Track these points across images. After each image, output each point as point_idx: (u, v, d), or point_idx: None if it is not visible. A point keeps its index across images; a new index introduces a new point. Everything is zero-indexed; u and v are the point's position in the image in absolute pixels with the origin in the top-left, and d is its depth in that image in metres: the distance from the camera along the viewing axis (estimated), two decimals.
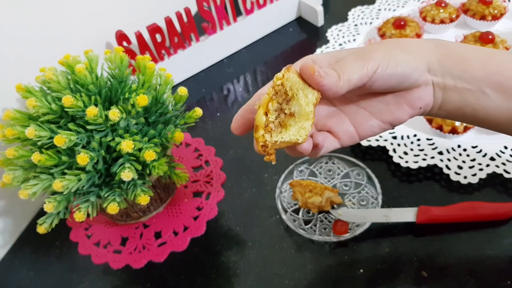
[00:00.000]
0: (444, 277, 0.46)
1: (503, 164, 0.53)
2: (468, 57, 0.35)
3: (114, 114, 0.41)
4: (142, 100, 0.42)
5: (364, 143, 0.58)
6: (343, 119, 0.37)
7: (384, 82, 0.34)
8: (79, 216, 0.42)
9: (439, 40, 0.36)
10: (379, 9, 0.80)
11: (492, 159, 0.54)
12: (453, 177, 0.53)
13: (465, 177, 0.53)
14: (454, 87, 0.35)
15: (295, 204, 0.54)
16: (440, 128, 0.56)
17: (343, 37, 0.76)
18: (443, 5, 0.71)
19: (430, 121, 0.57)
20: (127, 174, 0.41)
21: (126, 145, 0.41)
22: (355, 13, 0.80)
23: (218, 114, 0.68)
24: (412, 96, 0.36)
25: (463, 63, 0.35)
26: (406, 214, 0.49)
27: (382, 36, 0.71)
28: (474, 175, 0.53)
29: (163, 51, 0.69)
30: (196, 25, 0.70)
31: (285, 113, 0.32)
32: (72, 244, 0.55)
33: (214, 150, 0.62)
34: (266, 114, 0.31)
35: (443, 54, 0.35)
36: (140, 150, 0.42)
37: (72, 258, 0.54)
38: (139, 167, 0.43)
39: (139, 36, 0.64)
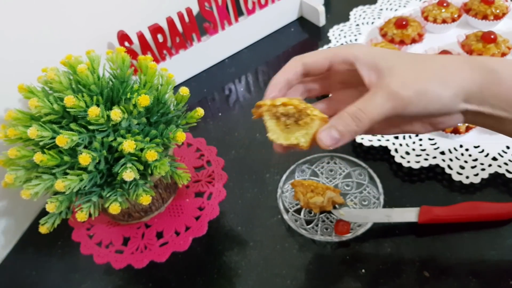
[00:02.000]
0: (446, 277, 0.45)
1: (505, 164, 0.53)
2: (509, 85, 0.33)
3: (116, 114, 0.41)
4: (144, 100, 0.42)
5: (366, 143, 0.58)
6: None
7: (411, 115, 0.34)
8: (81, 216, 0.42)
9: (486, 65, 0.34)
10: (381, 9, 0.80)
11: (494, 159, 0.54)
12: (455, 177, 0.53)
13: (467, 177, 0.53)
14: (491, 115, 0.34)
15: (296, 204, 0.54)
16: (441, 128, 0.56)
17: (344, 37, 0.76)
18: (445, 4, 0.71)
19: None
20: (129, 174, 0.41)
21: (128, 145, 0.41)
22: (356, 13, 0.80)
23: (220, 114, 0.68)
24: (439, 120, 0.36)
25: (505, 93, 0.33)
26: (408, 214, 0.49)
27: (384, 36, 0.71)
28: (476, 175, 0.53)
29: (164, 51, 0.69)
30: (198, 25, 0.70)
31: (292, 120, 0.35)
32: (74, 244, 0.55)
33: (216, 150, 0.62)
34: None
35: (486, 82, 0.33)
36: (141, 150, 0.43)
37: (74, 258, 0.54)
38: (141, 167, 0.43)
39: (141, 36, 0.64)
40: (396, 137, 0.58)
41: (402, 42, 0.69)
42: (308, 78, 0.40)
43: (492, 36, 0.63)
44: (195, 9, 0.71)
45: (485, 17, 0.69)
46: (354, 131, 0.33)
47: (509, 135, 0.36)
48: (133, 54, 0.64)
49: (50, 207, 0.42)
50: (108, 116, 0.41)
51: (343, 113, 0.34)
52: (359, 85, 0.37)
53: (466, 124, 0.55)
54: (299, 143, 0.35)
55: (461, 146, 0.56)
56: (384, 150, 0.58)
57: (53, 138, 0.41)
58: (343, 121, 0.34)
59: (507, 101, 0.33)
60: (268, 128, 0.36)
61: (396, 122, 0.38)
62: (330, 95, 0.42)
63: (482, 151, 0.55)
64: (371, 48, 0.36)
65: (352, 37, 0.75)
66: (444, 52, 0.62)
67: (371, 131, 0.39)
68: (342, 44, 0.74)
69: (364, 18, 0.79)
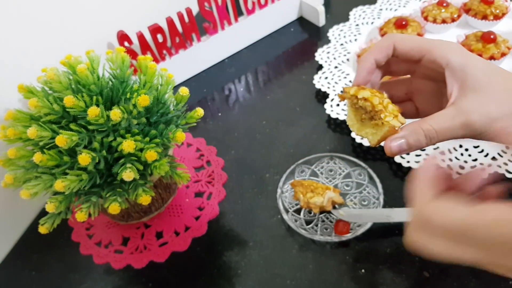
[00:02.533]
0: (446, 277, 0.45)
1: (505, 164, 0.53)
2: None
3: (116, 114, 0.41)
4: (144, 100, 0.42)
5: (366, 143, 0.58)
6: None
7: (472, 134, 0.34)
8: (80, 216, 0.42)
9: None
10: (381, 9, 0.80)
11: (494, 159, 0.54)
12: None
13: None
14: None
15: (296, 204, 0.54)
16: None
17: (344, 37, 0.76)
18: (444, 4, 0.71)
19: None
20: (128, 174, 0.41)
21: (128, 145, 0.41)
22: (356, 13, 0.80)
23: (220, 114, 0.68)
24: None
25: None
26: (408, 214, 0.49)
27: (384, 36, 0.71)
28: None
29: (164, 51, 0.69)
30: (198, 25, 0.70)
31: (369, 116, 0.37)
32: (74, 244, 0.55)
33: (216, 150, 0.62)
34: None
35: None
36: (141, 150, 0.43)
37: (74, 258, 0.54)
38: (141, 167, 0.43)
39: (141, 37, 0.64)
40: None
41: None
42: (393, 58, 0.39)
43: (491, 36, 0.63)
44: (195, 9, 0.71)
45: (484, 17, 0.69)
46: (422, 146, 0.34)
47: None
48: (132, 54, 0.64)
49: (50, 207, 0.42)
50: (108, 116, 0.41)
51: (418, 129, 0.34)
52: (440, 81, 0.37)
53: None
54: (368, 138, 0.37)
55: (460, 146, 0.56)
56: (384, 150, 0.57)
57: (53, 138, 0.41)
58: (416, 136, 0.34)
59: None
60: (347, 115, 0.39)
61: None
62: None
63: (482, 151, 0.55)
64: (466, 56, 0.34)
65: (352, 37, 0.75)
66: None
67: (418, 115, 0.41)
68: (342, 44, 0.74)
69: (363, 18, 0.79)
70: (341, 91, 0.38)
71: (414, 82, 0.41)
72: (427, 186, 0.33)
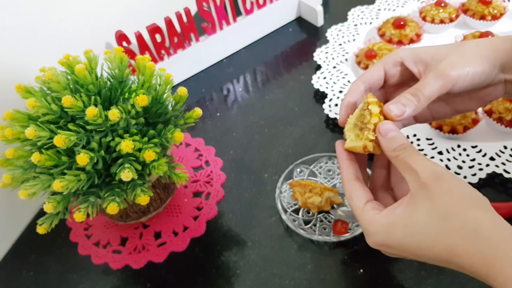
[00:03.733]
0: (444, 277, 0.46)
1: (503, 164, 0.53)
2: None
3: (114, 114, 0.41)
4: (142, 100, 0.42)
5: None
6: None
7: (461, 89, 0.38)
8: (79, 216, 0.42)
9: None
10: (379, 9, 0.80)
11: (492, 159, 0.54)
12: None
13: (465, 177, 0.53)
14: None
15: (295, 204, 0.54)
16: (439, 128, 0.56)
17: (342, 37, 0.76)
18: (442, 5, 0.71)
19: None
20: (127, 174, 0.41)
21: (126, 145, 0.41)
22: (354, 13, 0.80)
23: (218, 114, 0.68)
24: (484, 93, 0.40)
25: None
26: None
27: (382, 36, 0.71)
28: (474, 175, 0.53)
29: (162, 51, 0.69)
30: (196, 25, 0.70)
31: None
32: (72, 244, 0.55)
33: (214, 150, 0.62)
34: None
35: None
36: (140, 150, 0.42)
37: (72, 259, 0.54)
38: (139, 167, 0.43)
39: (139, 36, 0.64)
40: None
41: (400, 42, 0.69)
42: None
43: (490, 37, 0.63)
44: (193, 9, 0.71)
45: (482, 18, 0.70)
46: (415, 105, 0.37)
47: None
48: (131, 54, 0.64)
49: (48, 208, 0.42)
50: (106, 116, 0.41)
51: (404, 92, 0.38)
52: (411, 82, 0.41)
53: (464, 124, 0.56)
54: (346, 139, 0.40)
55: (458, 146, 0.56)
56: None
57: (51, 138, 0.41)
58: (405, 97, 0.38)
59: None
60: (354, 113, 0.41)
61: (449, 101, 0.42)
62: None
63: (480, 151, 0.55)
64: (413, 48, 0.42)
65: (350, 37, 0.76)
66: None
67: (431, 116, 0.44)
68: (340, 44, 0.74)
69: (362, 18, 0.79)
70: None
71: (392, 97, 0.44)
72: (357, 195, 0.37)
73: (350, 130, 0.40)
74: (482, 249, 0.29)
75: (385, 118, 0.38)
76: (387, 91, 0.44)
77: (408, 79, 0.42)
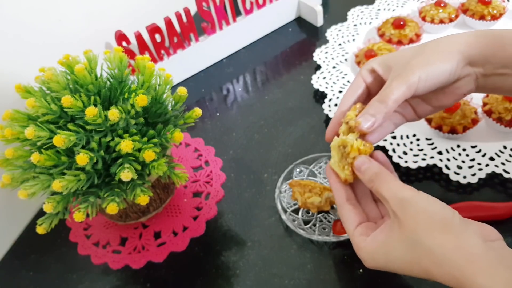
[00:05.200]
0: None
1: (503, 164, 0.53)
2: (506, 43, 0.38)
3: (114, 114, 0.41)
4: (142, 100, 0.42)
5: None
6: (406, 104, 0.44)
7: (427, 90, 0.40)
8: (78, 216, 0.42)
9: (479, 30, 0.40)
10: (379, 9, 0.80)
11: (491, 158, 0.54)
12: (453, 177, 0.53)
13: (464, 177, 0.53)
14: (495, 73, 0.40)
15: (294, 204, 0.54)
16: (439, 128, 0.56)
17: (342, 37, 0.76)
18: (442, 5, 0.71)
19: (429, 121, 0.57)
20: (126, 174, 0.41)
21: (126, 145, 0.41)
22: (354, 13, 0.80)
23: (218, 114, 0.68)
24: (455, 87, 0.41)
25: (501, 51, 0.38)
26: None
27: (382, 36, 0.71)
28: (474, 175, 0.53)
29: (162, 51, 0.69)
30: (196, 25, 0.70)
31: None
32: (72, 244, 0.55)
33: (214, 150, 0.62)
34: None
35: (483, 45, 0.39)
36: (139, 150, 0.42)
37: (72, 259, 0.54)
38: (139, 167, 0.43)
39: (139, 36, 0.64)
40: (394, 137, 0.58)
41: (399, 42, 0.69)
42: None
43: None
44: (193, 9, 0.71)
45: (482, 18, 0.70)
46: (383, 111, 0.39)
47: None
48: (130, 54, 0.64)
49: (48, 208, 0.42)
50: (106, 116, 0.41)
51: (371, 101, 0.40)
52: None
53: (464, 124, 0.56)
54: (332, 157, 0.41)
55: (458, 146, 0.56)
56: (382, 150, 0.58)
57: (51, 138, 0.41)
58: (372, 106, 0.39)
59: (505, 59, 0.39)
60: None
61: (424, 99, 0.43)
62: None
63: (479, 151, 0.55)
64: (384, 55, 0.43)
65: (350, 37, 0.76)
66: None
67: (416, 114, 0.45)
68: (340, 44, 0.74)
69: (362, 18, 0.79)
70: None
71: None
72: (347, 218, 0.39)
73: (335, 149, 0.41)
74: (451, 271, 0.31)
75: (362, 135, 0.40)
76: (366, 101, 0.45)
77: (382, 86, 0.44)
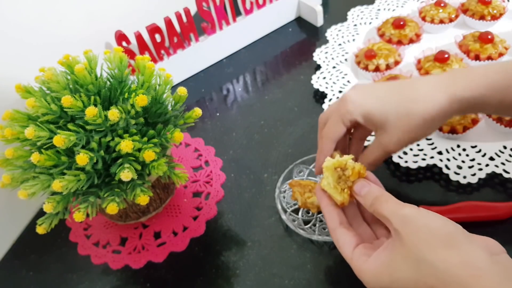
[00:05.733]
0: None
1: (503, 164, 0.53)
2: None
3: (114, 114, 0.41)
4: (142, 100, 0.42)
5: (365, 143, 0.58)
6: None
7: (404, 147, 0.45)
8: (78, 216, 0.42)
9: (452, 73, 0.43)
10: (379, 9, 0.80)
11: (491, 158, 0.54)
12: (453, 177, 0.53)
13: (464, 177, 0.53)
14: (468, 107, 0.42)
15: (294, 204, 0.54)
16: (439, 128, 0.56)
17: (342, 37, 0.76)
18: (442, 5, 0.71)
19: None
20: (126, 174, 0.41)
21: (126, 145, 0.41)
22: (354, 13, 0.80)
23: (218, 114, 0.68)
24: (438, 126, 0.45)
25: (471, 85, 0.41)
26: None
27: (382, 36, 0.71)
28: (474, 175, 0.53)
29: (162, 51, 0.69)
30: (196, 25, 0.70)
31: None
32: (72, 244, 0.55)
33: (214, 150, 0.62)
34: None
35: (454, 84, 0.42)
36: (139, 150, 0.42)
37: (72, 259, 0.54)
38: (139, 167, 0.43)
39: (139, 36, 0.64)
40: None
41: (399, 42, 0.69)
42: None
43: (489, 37, 0.63)
44: (193, 9, 0.71)
45: (482, 18, 0.70)
46: (377, 165, 0.45)
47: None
48: (130, 54, 0.64)
49: (48, 208, 0.42)
50: (106, 116, 0.41)
51: (363, 158, 0.46)
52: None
53: (464, 124, 0.56)
54: (326, 179, 0.41)
55: (458, 146, 0.56)
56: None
57: (51, 138, 0.41)
58: (366, 161, 0.45)
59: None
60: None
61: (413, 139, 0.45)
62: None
63: (479, 151, 0.55)
64: (362, 104, 0.44)
65: (350, 37, 0.76)
66: (442, 52, 0.62)
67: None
68: (340, 44, 0.74)
69: (362, 18, 0.79)
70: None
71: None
72: (343, 242, 0.38)
73: (329, 171, 0.40)
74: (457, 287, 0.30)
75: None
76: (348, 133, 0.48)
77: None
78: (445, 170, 0.54)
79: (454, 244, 0.31)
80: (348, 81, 0.68)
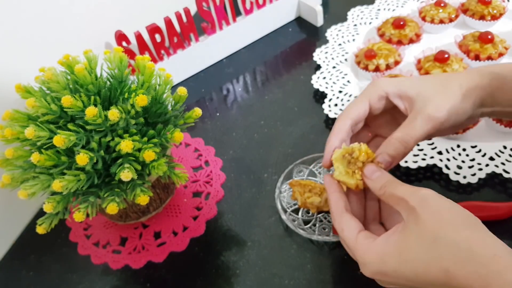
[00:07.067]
0: None
1: (503, 164, 0.53)
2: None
3: (114, 114, 0.41)
4: (142, 100, 0.42)
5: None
6: None
7: (444, 128, 0.40)
8: (78, 216, 0.42)
9: (492, 70, 0.40)
10: (379, 9, 0.80)
11: (491, 158, 0.54)
12: (453, 177, 0.53)
13: (464, 177, 0.53)
14: (502, 111, 0.41)
15: (294, 204, 0.54)
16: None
17: (342, 37, 0.76)
18: (442, 5, 0.71)
19: None
20: (126, 174, 0.41)
21: (126, 145, 0.41)
22: (354, 13, 0.80)
23: (218, 114, 0.68)
24: (462, 123, 0.42)
25: (510, 92, 0.40)
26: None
27: (382, 36, 0.71)
28: (474, 175, 0.53)
29: (162, 51, 0.69)
30: (196, 25, 0.70)
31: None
32: (72, 244, 0.55)
33: (214, 150, 0.62)
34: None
35: (494, 87, 0.40)
36: (139, 150, 0.42)
37: (72, 259, 0.54)
38: (139, 167, 0.43)
39: (139, 36, 0.64)
40: None
41: (399, 42, 0.69)
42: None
43: (489, 36, 0.63)
44: (193, 9, 0.71)
45: (482, 18, 0.70)
46: (403, 152, 0.39)
47: None
48: (130, 54, 0.64)
49: (48, 208, 0.42)
50: (106, 116, 0.41)
51: (392, 139, 0.39)
52: (393, 111, 0.43)
53: None
54: (336, 169, 0.41)
55: (458, 146, 0.56)
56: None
57: (51, 138, 0.41)
58: (393, 146, 0.39)
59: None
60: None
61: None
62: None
63: (479, 151, 0.55)
64: (397, 81, 0.42)
65: (350, 37, 0.76)
66: (442, 52, 0.62)
67: None
68: (340, 44, 0.74)
69: (362, 18, 0.79)
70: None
71: (372, 123, 0.46)
72: (348, 226, 0.37)
73: (338, 161, 0.40)
74: (476, 269, 0.29)
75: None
76: (368, 118, 0.44)
77: (390, 108, 0.43)
78: (445, 170, 0.54)
79: (476, 227, 0.31)
80: (348, 81, 0.68)
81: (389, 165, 0.39)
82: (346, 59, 0.72)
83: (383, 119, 0.45)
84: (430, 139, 0.44)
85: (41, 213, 0.45)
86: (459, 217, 0.32)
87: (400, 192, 0.35)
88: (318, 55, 0.73)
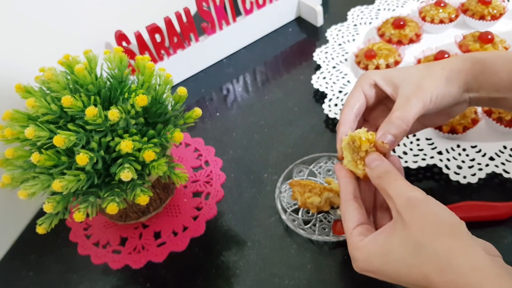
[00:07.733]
0: None
1: (503, 164, 0.53)
2: (496, 69, 0.41)
3: (114, 114, 0.41)
4: (142, 100, 0.42)
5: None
6: None
7: (431, 111, 0.41)
8: (78, 216, 0.42)
9: (473, 56, 0.42)
10: (379, 9, 0.80)
11: (491, 158, 0.54)
12: (453, 177, 0.53)
13: (464, 177, 0.53)
14: (488, 97, 0.42)
15: (294, 204, 0.54)
16: (439, 128, 0.56)
17: (342, 37, 0.76)
18: (442, 5, 0.71)
19: None
20: (126, 174, 0.41)
21: (126, 145, 0.41)
22: (354, 13, 0.80)
23: (218, 114, 0.68)
24: (451, 110, 0.44)
25: (493, 77, 0.41)
26: None
27: (382, 36, 0.71)
28: (474, 175, 0.53)
29: (162, 51, 0.69)
30: (196, 25, 0.70)
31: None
32: (72, 244, 0.55)
33: (214, 150, 0.62)
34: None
35: (477, 71, 0.41)
36: (139, 150, 0.42)
37: (72, 259, 0.54)
38: (139, 167, 0.43)
39: (139, 36, 0.64)
40: None
41: (399, 42, 0.69)
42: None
43: (489, 36, 0.63)
44: (193, 9, 0.71)
45: (482, 18, 0.70)
46: (404, 130, 0.39)
47: (508, 109, 0.44)
48: (130, 54, 0.64)
49: (48, 208, 0.42)
50: (106, 116, 0.41)
51: (392, 118, 0.40)
52: (384, 102, 0.45)
53: (463, 124, 0.56)
54: (346, 157, 0.41)
55: (458, 146, 0.56)
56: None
57: (51, 138, 0.41)
58: (394, 124, 0.39)
59: (496, 85, 0.41)
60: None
61: (422, 119, 0.44)
62: None
63: (479, 151, 0.55)
64: (384, 70, 0.44)
65: (350, 37, 0.76)
66: (442, 52, 0.62)
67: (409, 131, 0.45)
68: (340, 44, 0.74)
69: (362, 18, 0.79)
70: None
71: (370, 114, 0.47)
72: (349, 216, 0.38)
73: (346, 149, 0.41)
74: (455, 279, 0.29)
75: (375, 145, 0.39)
76: (365, 112, 0.46)
77: (381, 99, 0.45)
78: (445, 170, 0.54)
79: (459, 235, 0.31)
80: (348, 81, 0.68)
81: (392, 144, 0.39)
82: (346, 59, 0.72)
83: (379, 110, 0.46)
84: (424, 127, 0.46)
85: (41, 213, 0.45)
86: (443, 224, 0.32)
87: (391, 190, 0.35)
88: (318, 55, 0.73)
